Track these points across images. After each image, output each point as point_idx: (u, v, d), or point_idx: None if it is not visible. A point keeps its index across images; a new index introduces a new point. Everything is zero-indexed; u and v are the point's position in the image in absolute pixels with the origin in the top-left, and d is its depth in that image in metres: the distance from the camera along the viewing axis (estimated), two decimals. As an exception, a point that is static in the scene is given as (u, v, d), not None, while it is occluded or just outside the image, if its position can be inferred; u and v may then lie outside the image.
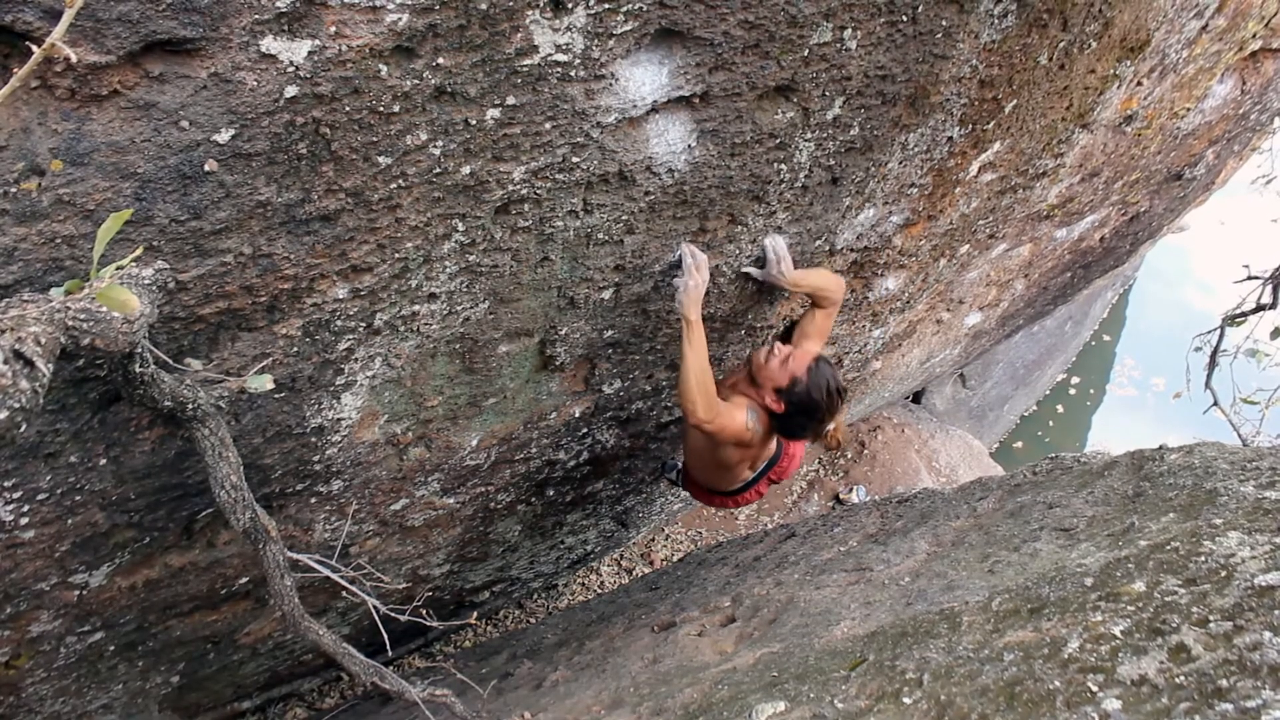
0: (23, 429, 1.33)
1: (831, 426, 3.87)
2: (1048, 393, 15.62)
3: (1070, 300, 8.49)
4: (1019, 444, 14.60)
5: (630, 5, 2.33)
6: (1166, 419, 15.83)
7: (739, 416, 3.73)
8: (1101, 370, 16.98)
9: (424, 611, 3.16)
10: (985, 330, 7.27)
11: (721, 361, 4.41)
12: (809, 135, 3.16)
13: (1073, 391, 15.96)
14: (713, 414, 3.58)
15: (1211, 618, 1.62)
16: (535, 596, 7.86)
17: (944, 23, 3.03)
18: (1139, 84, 4.36)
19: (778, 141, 3.09)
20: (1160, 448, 3.03)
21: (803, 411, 3.74)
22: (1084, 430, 16.09)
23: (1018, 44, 3.37)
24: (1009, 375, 13.43)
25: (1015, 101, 3.72)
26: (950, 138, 3.70)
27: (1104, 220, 6.08)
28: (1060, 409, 15.58)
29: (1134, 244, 7.16)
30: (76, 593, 3.03)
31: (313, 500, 3.42)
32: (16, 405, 1.30)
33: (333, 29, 1.95)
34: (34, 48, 1.63)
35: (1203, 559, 1.92)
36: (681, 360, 3.52)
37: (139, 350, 2.00)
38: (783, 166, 3.22)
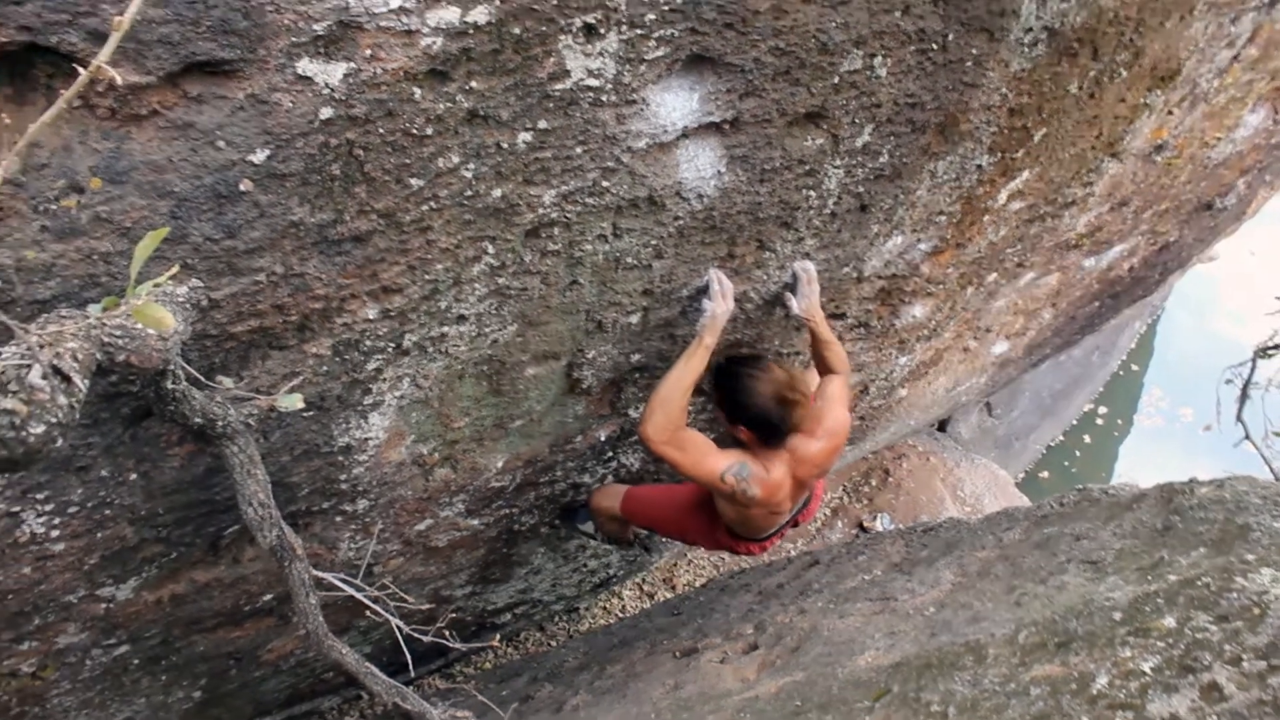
0: (58, 444, 1.34)
1: (790, 394, 3.55)
2: (1074, 423, 15.48)
3: (1098, 330, 8.43)
4: (1045, 474, 14.48)
5: (662, 31, 2.35)
6: (1195, 451, 15.65)
7: (714, 462, 3.52)
8: (1129, 401, 16.83)
9: (446, 633, 3.16)
10: (1012, 359, 7.23)
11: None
12: (838, 162, 3.16)
13: (1100, 422, 15.82)
14: (664, 435, 3.41)
15: (1244, 656, 1.61)
16: (557, 619, 7.84)
17: (974, 51, 3.03)
18: (1170, 113, 4.34)
19: (807, 168, 3.09)
20: (1190, 481, 3.00)
21: (761, 421, 3.54)
22: (1111, 461, 15.94)
23: (1048, 72, 3.36)
24: (1035, 405, 13.34)
25: (1045, 130, 3.72)
26: (979, 166, 3.69)
27: (1133, 250, 6.04)
28: (1087, 439, 15.45)
29: (1163, 273, 7.11)
30: (104, 606, 3.05)
31: (338, 519, 3.43)
32: (53, 420, 1.32)
33: (368, 52, 1.97)
34: (79, 69, 1.66)
35: (1235, 595, 1.90)
36: (669, 372, 3.43)
37: (172, 367, 2.02)
38: (811, 193, 3.23)
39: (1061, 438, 15.23)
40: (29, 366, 1.37)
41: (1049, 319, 6.61)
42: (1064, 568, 2.84)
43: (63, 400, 1.34)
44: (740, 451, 3.60)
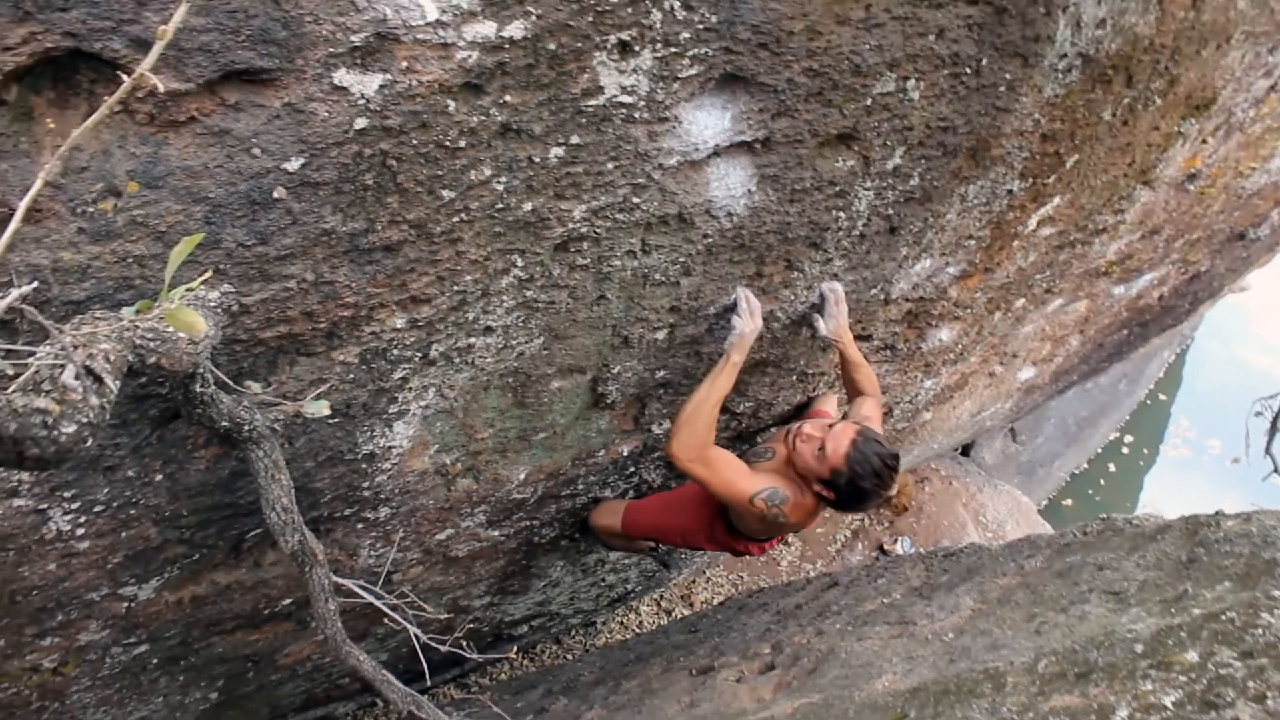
0: (89, 444, 1.36)
1: (893, 493, 3.52)
2: (1099, 451, 15.35)
3: (1126, 358, 8.38)
4: (1068, 502, 14.37)
5: (696, 50, 2.36)
6: (1222, 483, 15.50)
7: (745, 484, 3.48)
8: (1155, 430, 16.67)
9: (463, 643, 3.16)
10: (1038, 385, 7.19)
11: (771, 407, 4.39)
12: (869, 184, 3.16)
13: (1125, 451, 15.68)
14: (691, 454, 3.39)
15: (1269, 694, 1.59)
16: (573, 633, 7.83)
17: (1008, 76, 3.03)
18: (1204, 142, 4.32)
19: (837, 189, 3.09)
20: (1216, 514, 2.98)
21: (855, 498, 3.44)
22: (1136, 491, 15.79)
23: (1081, 99, 3.35)
24: (1060, 431, 13.24)
25: (1077, 156, 3.70)
26: (1010, 191, 3.68)
27: (1163, 278, 6.01)
28: (1112, 468, 15.32)
29: (1193, 303, 7.07)
30: (125, 605, 3.07)
31: (359, 526, 3.44)
32: (84, 420, 1.33)
33: (404, 64, 1.99)
34: (122, 75, 1.69)
35: (1260, 631, 1.88)
36: (696, 389, 3.40)
37: (201, 371, 2.04)
38: (841, 214, 3.23)
39: (1086, 466, 15.10)
40: (63, 366, 1.38)
41: (1076, 346, 6.58)
42: (1086, 597, 2.82)
43: (94, 401, 1.36)
44: (771, 474, 3.57)
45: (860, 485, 3.38)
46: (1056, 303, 5.39)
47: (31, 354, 1.43)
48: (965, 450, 11.27)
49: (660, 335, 3.35)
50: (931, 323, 4.58)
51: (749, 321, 3.32)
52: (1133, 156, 3.98)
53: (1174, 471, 16.44)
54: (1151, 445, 16.36)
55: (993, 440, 11.64)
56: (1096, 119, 3.53)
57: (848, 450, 3.37)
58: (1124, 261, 5.23)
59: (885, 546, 9.53)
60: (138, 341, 1.66)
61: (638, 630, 8.03)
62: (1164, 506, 14.35)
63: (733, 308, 3.35)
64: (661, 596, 8.46)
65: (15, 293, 1.18)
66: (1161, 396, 16.84)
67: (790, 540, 9.26)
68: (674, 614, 8.29)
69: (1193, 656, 1.88)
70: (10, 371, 1.37)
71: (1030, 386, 7.08)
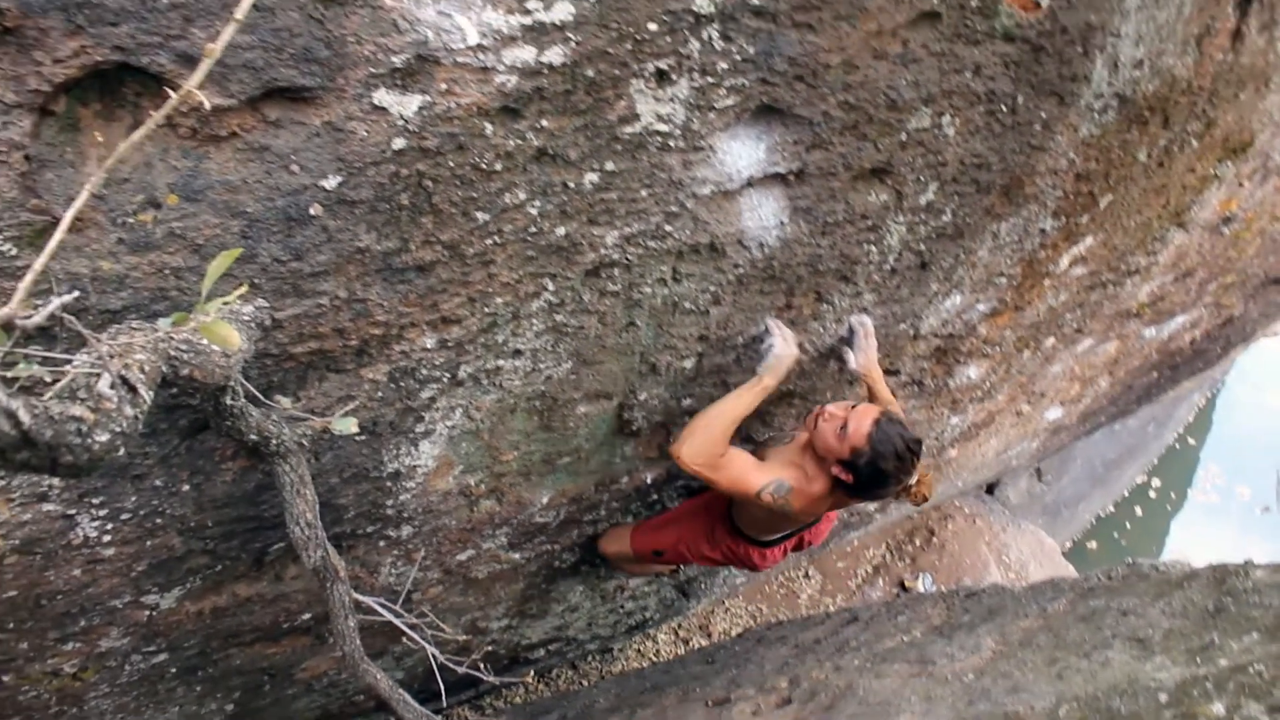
0: (120, 452, 1.37)
1: (913, 481, 3.43)
2: (1126, 494, 15.20)
3: (1155, 400, 8.32)
4: (1093, 544, 14.23)
5: (733, 80, 2.37)
6: (1251, 531, 15.32)
7: (752, 480, 3.41)
8: (1184, 475, 16.49)
9: (481, 664, 3.16)
10: (1065, 425, 7.14)
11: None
12: (901, 219, 3.16)
13: (1152, 494, 15.53)
14: (699, 461, 3.33)
15: (1294, 748, 1.57)
16: (590, 658, 7.80)
17: (1043, 114, 3.03)
18: (1240, 185, 4.30)
19: (870, 223, 3.10)
20: (1245, 563, 2.94)
21: (874, 481, 3.34)
22: (1162, 536, 15.62)
23: (1117, 139, 3.35)
24: (1087, 473, 13.13)
25: (1111, 197, 3.69)
26: (1043, 229, 3.67)
27: (1195, 321, 5.97)
28: (1138, 511, 15.16)
29: (1225, 347, 7.01)
30: (147, 613, 3.08)
31: (381, 544, 3.45)
32: (117, 429, 1.35)
33: (443, 86, 2.01)
34: (169, 90, 1.71)
35: (1286, 684, 1.86)
36: (717, 401, 3.35)
37: (232, 383, 2.05)
38: (873, 248, 3.23)
39: (1112, 508, 14.96)
40: (99, 375, 1.40)
41: (1105, 387, 6.54)
42: (1109, 643, 2.79)
43: (129, 411, 1.37)
44: (782, 464, 3.50)
45: (881, 467, 3.28)
46: (1086, 343, 5.35)
47: (68, 362, 1.45)
48: (990, 488, 11.19)
49: (688, 364, 3.35)
50: (960, 359, 4.56)
51: (786, 345, 3.25)
52: (1167, 198, 3.96)
53: (1202, 518, 16.24)
54: (1179, 490, 16.18)
55: (1018, 479, 11.55)
56: (1132, 159, 3.52)
57: (870, 429, 3.27)
58: (1156, 303, 5.20)
59: (906, 583, 9.47)
60: (172, 353, 1.67)
61: (654, 659, 8.00)
62: (1191, 553, 14.17)
63: (760, 339, 3.33)
64: (679, 625, 8.42)
65: (56, 301, 1.20)
66: (1191, 441, 16.67)
67: (809, 573, 9.21)
68: (691, 643, 8.26)
69: (1219, 709, 1.85)
70: (48, 378, 1.38)
71: (1057, 426, 7.03)
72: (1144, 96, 3.20)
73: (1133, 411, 8.40)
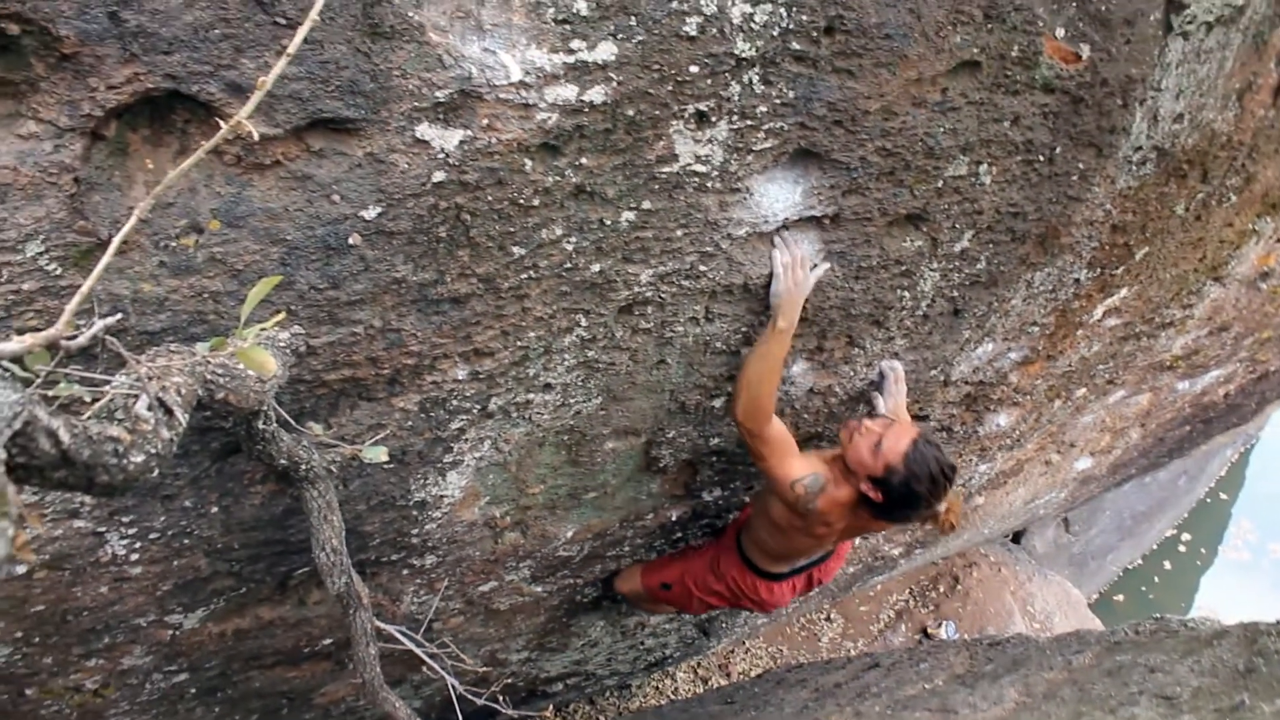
0: (154, 474, 1.39)
1: (942, 509, 3.29)
2: (1155, 547, 15.02)
3: (1187, 454, 8.23)
4: (1120, 597, 14.05)
5: (772, 124, 2.39)
6: (1283, 590, 15.13)
7: (791, 467, 3.26)
8: (1214, 530, 16.28)
9: (500, 697, 3.15)
10: (1095, 476, 7.08)
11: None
12: (935, 265, 3.16)
13: (1182, 549, 15.33)
14: (753, 423, 3.15)
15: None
16: (608, 694, 7.77)
17: (1081, 165, 3.02)
18: (1278, 241, 4.27)
19: (904, 269, 3.10)
20: (1277, 622, 2.90)
21: (904, 503, 3.21)
22: (1191, 591, 15.40)
23: (1154, 192, 3.34)
24: (1115, 525, 13.00)
25: (1147, 249, 3.68)
26: (1077, 279, 3.66)
27: (1230, 376, 5.91)
28: (1167, 566, 14.97)
29: (1260, 403, 6.94)
30: (170, 632, 3.10)
31: (405, 572, 3.46)
32: (153, 451, 1.36)
33: (485, 121, 2.03)
34: (215, 118, 1.75)
35: (1316, 750, 1.83)
36: (747, 361, 3.11)
37: (265, 408, 2.07)
38: (906, 294, 3.22)
39: (1140, 562, 14.78)
40: (136, 397, 1.42)
41: (1136, 439, 6.48)
42: (1135, 699, 2.76)
43: (165, 433, 1.39)
44: (819, 461, 3.36)
45: (913, 488, 3.14)
46: (1118, 394, 5.32)
47: (107, 382, 1.47)
48: (1016, 537, 11.11)
49: (717, 403, 3.35)
50: (990, 407, 4.54)
51: (793, 275, 2.89)
52: (1204, 252, 3.94)
53: (1232, 574, 16.01)
54: (1210, 545, 15.97)
55: (1045, 529, 11.45)
56: (1169, 212, 3.51)
57: (907, 449, 3.14)
58: (1190, 357, 5.16)
59: (929, 630, 9.39)
60: (208, 376, 1.69)
61: (673, 696, 7.95)
62: (1221, 610, 13.98)
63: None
64: (699, 664, 8.38)
65: (100, 323, 1.22)
66: (1223, 495, 16.47)
67: (831, 615, 9.15)
68: (710, 683, 8.21)
69: (1246, 771, 1.83)
70: (86, 398, 1.40)
71: (1087, 477, 6.97)
72: (1183, 150, 3.19)
73: (1164, 464, 8.32)
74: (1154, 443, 6.82)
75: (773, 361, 3.07)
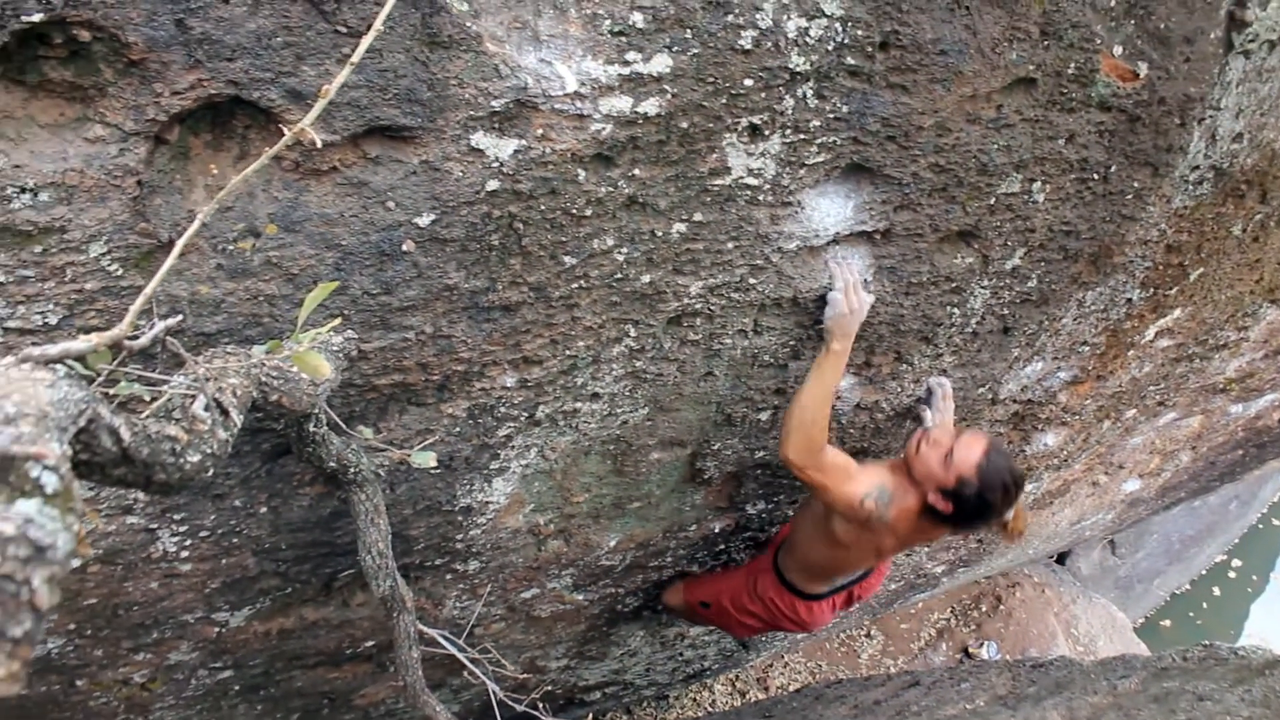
0: (209, 473, 1.41)
1: (1010, 516, 3.25)
2: (1204, 572, 14.77)
3: (1239, 478, 8.10)
4: (1167, 622, 13.84)
5: (825, 138, 2.38)
6: (1336, 620, 14.81)
7: (855, 486, 3.19)
8: (1266, 557, 15.98)
9: (539, 704, 3.16)
10: (1143, 499, 6.99)
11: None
12: (986, 283, 3.14)
13: (1232, 575, 15.07)
14: (805, 459, 3.09)
15: None
16: (645, 704, 7.75)
17: (1136, 184, 2.99)
18: (1339, 266, 4.21)
19: (954, 285, 3.08)
20: (1330, 654, 2.85)
21: (976, 514, 3.17)
22: (1241, 619, 15.13)
23: (1211, 212, 3.30)
24: (1163, 548, 12.80)
25: (1202, 269, 3.63)
26: (1129, 299, 3.62)
27: (1285, 401, 5.83)
28: (1216, 592, 14.72)
29: (1316, 429, 6.82)
30: (216, 630, 3.13)
31: (448, 577, 3.48)
32: (209, 451, 1.38)
33: (539, 131, 2.05)
34: (276, 124, 1.77)
35: (1369, 785, 1.79)
36: (801, 386, 3.04)
37: (316, 411, 2.10)
38: (955, 310, 3.20)
39: (1188, 586, 14.54)
40: (194, 397, 1.44)
41: (1187, 462, 6.39)
42: (1183, 728, 2.72)
43: (221, 434, 1.41)
44: (879, 471, 3.30)
45: (988, 499, 3.10)
46: (1169, 416, 5.25)
47: (165, 382, 1.50)
48: (1061, 558, 10.98)
49: (764, 416, 3.35)
50: (1038, 426, 4.50)
51: (843, 305, 2.86)
52: (1261, 274, 3.89)
53: (1285, 603, 15.73)
54: (1261, 572, 15.68)
55: (1090, 551, 11.31)
56: (1225, 233, 3.46)
57: (980, 460, 3.10)
58: (1244, 380, 5.08)
59: (970, 649, 9.29)
60: (263, 378, 1.72)
61: (710, 709, 7.93)
62: (1272, 638, 13.71)
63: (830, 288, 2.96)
64: (737, 677, 8.35)
65: (161, 324, 1.24)
66: (1275, 522, 16.17)
67: (871, 632, 9.09)
68: (749, 696, 8.17)
69: (1297, 804, 1.79)
70: (146, 397, 1.43)
71: (1135, 499, 6.88)
72: (1242, 170, 3.15)
73: (1214, 488, 8.18)
74: (1205, 466, 6.72)
75: (827, 389, 3.03)
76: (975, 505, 3.12)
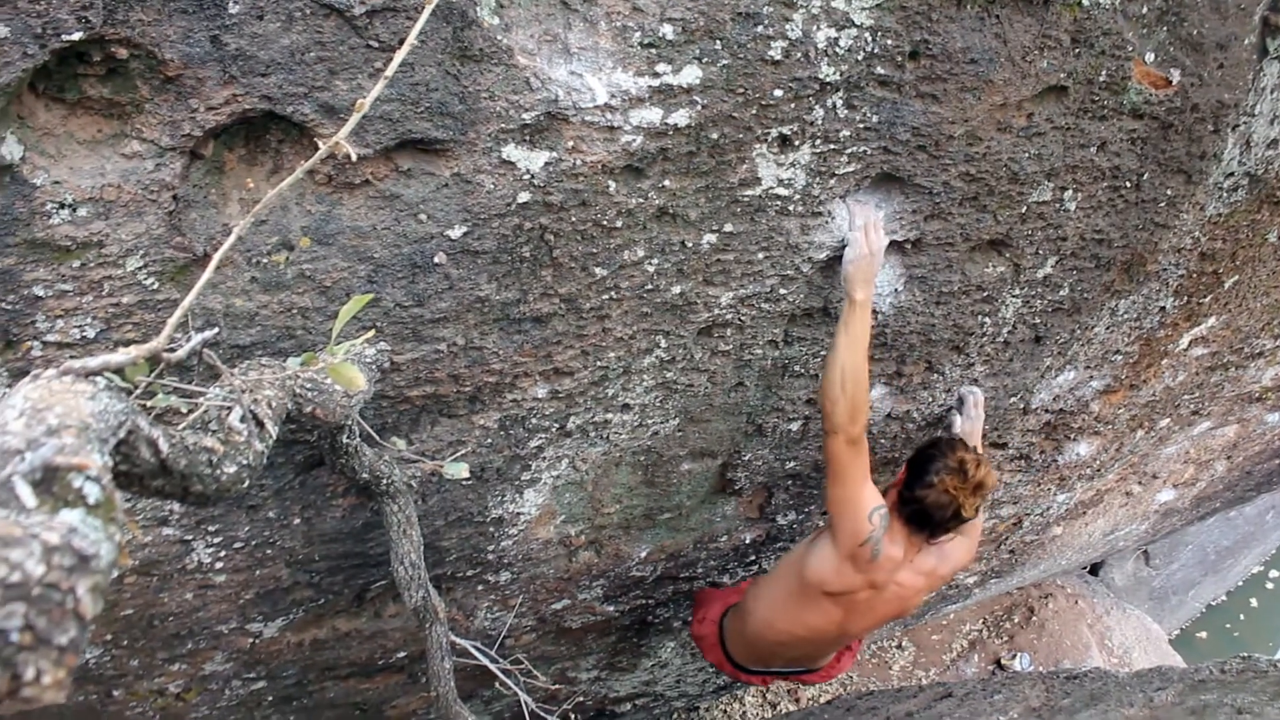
0: (245, 485, 1.42)
1: (967, 503, 2.98)
2: (1240, 584, 14.59)
3: (1276, 488, 8.01)
4: (1203, 634, 13.67)
5: (855, 148, 2.38)
6: (1376, 633, 14.58)
7: (866, 496, 3.04)
8: (1305, 568, 15.79)
9: (571, 715, 3.16)
10: (1177, 509, 6.92)
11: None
12: (1017, 292, 3.12)
13: (1270, 586, 14.87)
14: (858, 424, 2.87)
15: None
16: (675, 716, 7.73)
17: (1169, 192, 2.97)
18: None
19: (985, 294, 3.06)
20: (1371, 667, 2.81)
21: (920, 473, 3.01)
22: (1279, 632, 14.95)
23: (1245, 219, 3.27)
24: (1198, 559, 12.65)
25: (1236, 277, 3.60)
26: (1163, 308, 3.59)
27: (1324, 410, 5.76)
28: (1254, 603, 14.53)
29: (1355, 439, 6.74)
30: (250, 640, 3.16)
31: (479, 588, 3.49)
32: (245, 462, 1.39)
33: (570, 144, 2.06)
34: (311, 138, 1.79)
35: None
36: (832, 348, 2.79)
37: (349, 423, 2.11)
38: (987, 320, 3.19)
39: (1224, 598, 14.37)
40: (230, 408, 1.45)
41: (1222, 472, 6.32)
42: (1222, 741, 2.69)
43: (257, 445, 1.42)
44: (881, 498, 3.14)
45: (927, 452, 3.03)
46: (1204, 425, 5.19)
47: (201, 394, 1.51)
48: (1094, 569, 10.87)
49: (794, 426, 3.34)
50: (1070, 436, 4.46)
51: (862, 245, 2.62)
52: (1298, 282, 3.85)
53: (1323, 615, 15.51)
54: (1299, 584, 15.48)
55: (1124, 561, 11.19)
56: (1260, 240, 3.43)
57: (925, 444, 3.11)
58: (1281, 389, 5.03)
59: (1002, 661, 9.21)
60: (298, 390, 1.73)
61: (741, 721, 7.90)
62: (1310, 651, 13.53)
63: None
64: (768, 689, 8.31)
65: (198, 337, 1.26)
66: (1314, 532, 15.96)
67: (903, 643, 9.03)
68: (779, 708, 8.14)
69: (1340, 819, 1.77)
70: (183, 409, 1.44)
71: (1169, 509, 6.81)
72: (1277, 176, 3.12)
73: (1250, 498, 8.10)
74: (1240, 476, 6.65)
75: (860, 347, 2.78)
76: (914, 474, 3.04)
